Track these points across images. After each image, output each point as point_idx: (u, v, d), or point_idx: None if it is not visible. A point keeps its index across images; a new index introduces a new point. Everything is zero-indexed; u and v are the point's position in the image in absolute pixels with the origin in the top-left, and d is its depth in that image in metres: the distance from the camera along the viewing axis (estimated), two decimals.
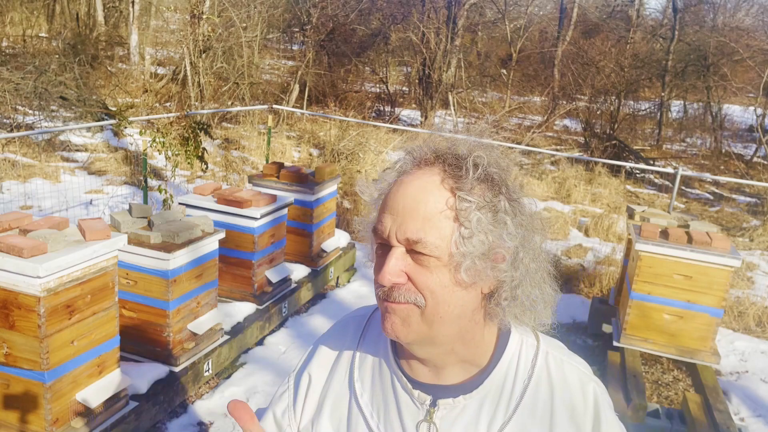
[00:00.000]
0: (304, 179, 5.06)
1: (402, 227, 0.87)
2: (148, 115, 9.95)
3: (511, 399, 0.94)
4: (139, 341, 3.52)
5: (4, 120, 9.15)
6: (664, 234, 4.18)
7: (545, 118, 13.43)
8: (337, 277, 5.51)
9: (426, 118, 13.42)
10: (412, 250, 0.87)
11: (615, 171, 10.28)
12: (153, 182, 7.29)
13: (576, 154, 11.16)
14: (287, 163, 6.36)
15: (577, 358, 1.03)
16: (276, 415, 1.08)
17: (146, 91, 12.02)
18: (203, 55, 10.67)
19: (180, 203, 4.45)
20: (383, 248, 0.91)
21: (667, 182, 10.74)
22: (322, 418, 1.02)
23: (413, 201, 0.88)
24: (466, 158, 0.90)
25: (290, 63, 16.14)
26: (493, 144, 0.95)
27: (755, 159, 12.93)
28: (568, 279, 5.94)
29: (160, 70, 14.03)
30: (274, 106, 11.24)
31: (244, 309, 4.29)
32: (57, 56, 11.01)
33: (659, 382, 4.33)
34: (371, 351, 1.04)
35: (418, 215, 0.87)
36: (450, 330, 0.90)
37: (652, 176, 11.05)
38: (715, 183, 11.02)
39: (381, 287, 0.90)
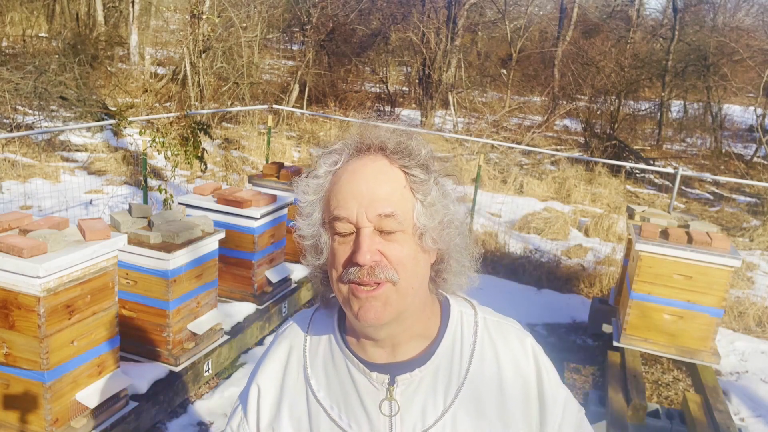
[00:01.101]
0: None
1: (372, 206, 0.93)
2: (148, 115, 9.95)
3: (461, 364, 1.02)
4: (139, 341, 3.52)
5: (4, 120, 9.15)
6: (664, 234, 4.18)
7: (545, 118, 13.43)
8: None
9: (426, 118, 13.42)
10: (381, 229, 0.93)
11: (615, 171, 10.28)
12: (153, 182, 7.29)
13: (576, 154, 11.16)
14: (287, 163, 6.36)
15: (510, 319, 1.13)
16: (233, 429, 1.12)
17: (146, 91, 12.02)
18: (203, 55, 10.66)
19: (180, 203, 4.45)
20: (343, 236, 0.95)
21: (667, 182, 10.74)
22: (281, 421, 1.06)
23: (375, 181, 0.95)
24: (405, 144, 0.98)
25: (290, 63, 16.14)
26: (412, 130, 1.04)
27: (755, 159, 12.93)
28: (568, 279, 5.94)
29: (160, 70, 14.03)
30: (274, 106, 11.25)
31: (244, 309, 4.29)
32: (57, 56, 11.01)
33: (659, 382, 4.33)
34: (320, 345, 1.08)
35: (383, 192, 0.94)
36: (416, 301, 0.98)
37: (652, 176, 11.05)
38: (715, 183, 11.02)
39: (356, 269, 0.93)
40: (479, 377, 1.02)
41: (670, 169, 8.61)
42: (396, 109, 14.74)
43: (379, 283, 0.93)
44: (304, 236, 1.02)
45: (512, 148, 9.80)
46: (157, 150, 5.75)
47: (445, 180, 1.02)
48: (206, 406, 3.56)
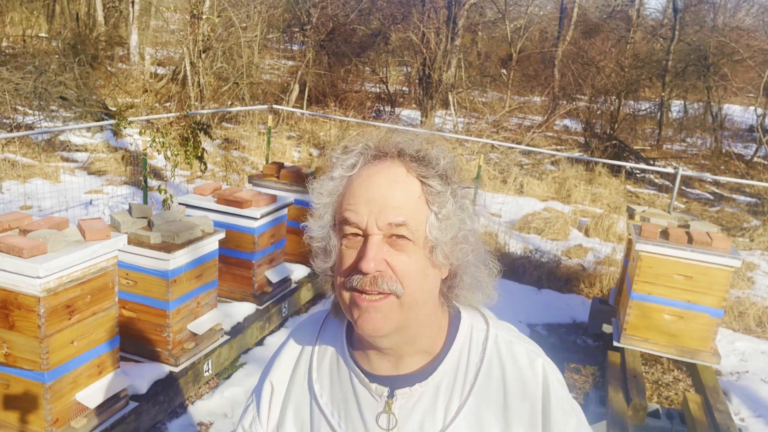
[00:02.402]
0: (304, 179, 5.06)
1: (383, 213, 0.91)
2: (148, 115, 9.95)
3: (465, 382, 0.99)
4: (139, 341, 3.52)
5: (4, 120, 9.15)
6: (665, 234, 4.18)
7: (545, 118, 13.43)
8: None
9: (426, 118, 13.42)
10: (392, 236, 0.91)
11: (615, 171, 10.28)
12: (153, 182, 7.29)
13: (576, 154, 11.16)
14: (287, 163, 6.35)
15: (525, 338, 1.07)
16: (244, 428, 1.11)
17: (146, 91, 12.02)
18: (203, 55, 10.66)
19: (180, 203, 4.45)
20: (354, 239, 0.93)
21: (667, 182, 10.74)
22: (285, 423, 1.06)
23: (389, 189, 0.92)
24: (425, 152, 0.96)
25: (290, 63, 16.14)
26: (434, 139, 1.02)
27: (755, 159, 12.93)
28: (569, 279, 5.94)
29: (160, 70, 14.03)
30: (274, 106, 11.24)
31: (244, 309, 4.29)
32: (57, 56, 11.01)
33: (659, 383, 4.33)
34: (328, 352, 1.08)
35: (396, 201, 0.91)
36: (420, 316, 0.95)
37: (652, 176, 11.05)
38: (716, 183, 11.02)
39: (359, 277, 0.91)
40: (484, 397, 0.98)
41: (670, 169, 8.61)
42: (396, 109, 14.73)
43: (382, 294, 0.91)
44: (314, 238, 1.00)
45: (512, 148, 9.80)
46: (157, 150, 5.75)
47: (465, 193, 0.99)
48: (206, 406, 3.56)
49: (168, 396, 3.37)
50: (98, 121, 8.94)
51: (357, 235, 0.93)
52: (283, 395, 1.08)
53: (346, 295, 0.94)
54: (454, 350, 1.00)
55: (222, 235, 3.78)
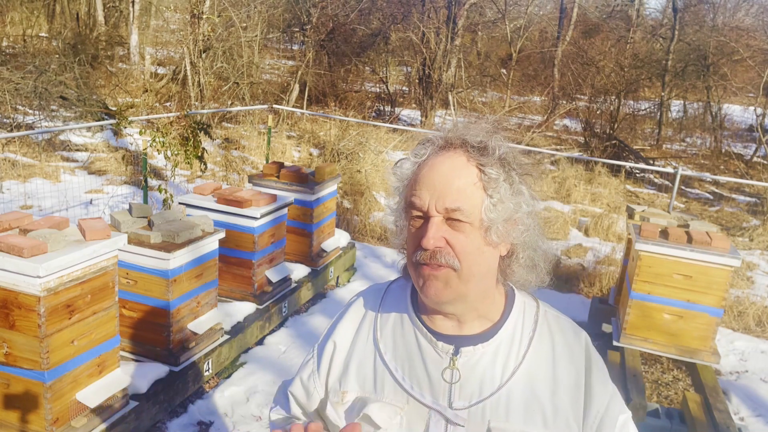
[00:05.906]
0: (304, 179, 5.06)
1: (441, 199, 1.03)
2: (148, 114, 9.95)
3: (520, 346, 1.11)
4: (139, 341, 3.52)
5: (4, 120, 9.15)
6: (664, 234, 4.18)
7: (545, 117, 13.43)
8: (337, 277, 5.51)
9: (426, 117, 13.42)
10: (449, 218, 1.03)
11: (615, 171, 10.28)
12: (153, 182, 7.29)
13: (576, 153, 11.16)
14: (287, 163, 6.35)
15: (566, 317, 1.22)
16: (302, 379, 1.24)
17: (146, 90, 12.02)
18: (203, 55, 10.66)
19: (180, 203, 4.45)
20: (418, 220, 1.07)
21: (666, 182, 10.74)
22: (348, 377, 1.17)
23: (448, 177, 1.04)
24: (486, 142, 1.07)
25: (290, 63, 16.14)
26: (497, 129, 1.11)
27: (755, 159, 12.93)
28: (568, 279, 5.94)
29: (160, 70, 14.02)
30: (274, 106, 11.24)
31: (244, 308, 4.29)
32: (57, 56, 11.01)
33: (659, 382, 4.33)
34: (391, 315, 1.20)
35: (453, 188, 1.03)
36: (478, 287, 1.07)
37: (651, 176, 11.05)
38: (715, 183, 11.02)
39: (422, 252, 1.04)
40: (535, 359, 1.10)
41: (669, 169, 8.61)
42: (396, 108, 14.73)
43: (440, 266, 1.03)
44: (393, 217, 1.15)
45: (512, 148, 9.80)
46: (157, 150, 5.75)
47: (525, 179, 1.09)
48: (206, 405, 3.56)
49: (168, 395, 3.37)
50: (98, 120, 8.94)
51: (420, 217, 1.06)
52: (347, 353, 1.19)
53: (413, 267, 1.07)
54: (512, 319, 1.13)
55: (222, 235, 3.79)
